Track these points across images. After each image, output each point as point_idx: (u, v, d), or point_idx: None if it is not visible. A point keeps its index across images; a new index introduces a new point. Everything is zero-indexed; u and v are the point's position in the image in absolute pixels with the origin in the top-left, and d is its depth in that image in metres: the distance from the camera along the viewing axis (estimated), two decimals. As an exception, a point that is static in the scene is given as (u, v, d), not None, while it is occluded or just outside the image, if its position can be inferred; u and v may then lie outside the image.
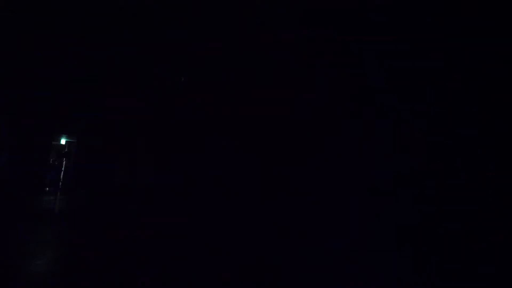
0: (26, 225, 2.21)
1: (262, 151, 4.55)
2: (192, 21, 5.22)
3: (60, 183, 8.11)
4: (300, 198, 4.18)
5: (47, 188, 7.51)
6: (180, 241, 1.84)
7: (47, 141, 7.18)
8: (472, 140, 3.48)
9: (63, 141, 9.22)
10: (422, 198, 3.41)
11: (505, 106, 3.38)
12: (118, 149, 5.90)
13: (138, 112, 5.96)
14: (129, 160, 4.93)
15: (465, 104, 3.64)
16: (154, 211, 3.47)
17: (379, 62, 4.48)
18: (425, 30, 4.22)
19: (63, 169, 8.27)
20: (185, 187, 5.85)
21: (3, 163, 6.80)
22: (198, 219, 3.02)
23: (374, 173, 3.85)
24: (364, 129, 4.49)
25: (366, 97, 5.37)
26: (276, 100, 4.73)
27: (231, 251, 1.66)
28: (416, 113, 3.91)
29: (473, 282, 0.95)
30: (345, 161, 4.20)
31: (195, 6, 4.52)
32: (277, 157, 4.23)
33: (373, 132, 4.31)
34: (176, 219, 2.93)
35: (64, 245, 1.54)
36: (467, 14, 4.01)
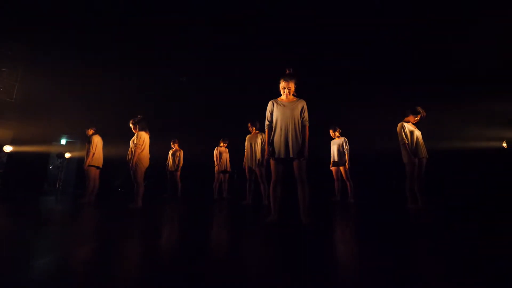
0: (21, 226, 2.16)
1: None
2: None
3: (59, 184, 8.08)
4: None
5: (46, 188, 7.48)
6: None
7: (47, 141, 7.17)
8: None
9: (63, 142, 9.22)
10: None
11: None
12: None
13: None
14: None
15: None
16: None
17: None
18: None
19: (62, 169, 8.25)
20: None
21: (2, 163, 6.78)
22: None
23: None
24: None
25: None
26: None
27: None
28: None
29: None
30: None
31: None
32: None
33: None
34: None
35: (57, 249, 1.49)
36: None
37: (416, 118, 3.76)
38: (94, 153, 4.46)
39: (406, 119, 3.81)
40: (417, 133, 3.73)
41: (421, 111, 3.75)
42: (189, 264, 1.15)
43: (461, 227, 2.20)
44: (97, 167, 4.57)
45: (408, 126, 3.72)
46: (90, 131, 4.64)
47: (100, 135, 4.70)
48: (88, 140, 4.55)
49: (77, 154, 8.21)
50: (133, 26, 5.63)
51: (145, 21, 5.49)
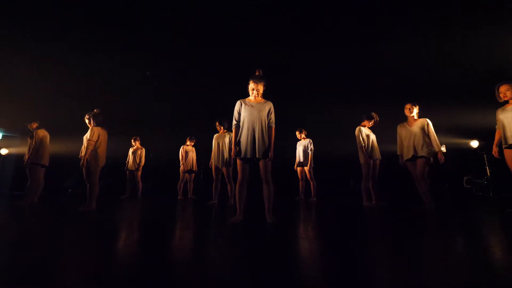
0: None
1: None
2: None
3: (-7, 184, 6.97)
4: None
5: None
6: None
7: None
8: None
9: (-2, 136, 7.98)
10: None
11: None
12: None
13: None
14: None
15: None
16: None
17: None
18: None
19: (-3, 168, 7.13)
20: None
21: None
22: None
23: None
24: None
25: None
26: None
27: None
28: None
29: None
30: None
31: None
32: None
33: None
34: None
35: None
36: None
37: (370, 123, 4.13)
38: (38, 150, 3.96)
39: (362, 123, 4.16)
40: (372, 137, 4.10)
41: (375, 117, 4.13)
42: (148, 270, 1.09)
43: (407, 222, 2.48)
44: (42, 166, 4.06)
45: (365, 130, 4.06)
46: (34, 125, 4.12)
47: (47, 130, 4.19)
48: (30, 135, 4.02)
49: (16, 150, 7.17)
50: (89, 12, 5.11)
51: (102, 7, 5.03)
